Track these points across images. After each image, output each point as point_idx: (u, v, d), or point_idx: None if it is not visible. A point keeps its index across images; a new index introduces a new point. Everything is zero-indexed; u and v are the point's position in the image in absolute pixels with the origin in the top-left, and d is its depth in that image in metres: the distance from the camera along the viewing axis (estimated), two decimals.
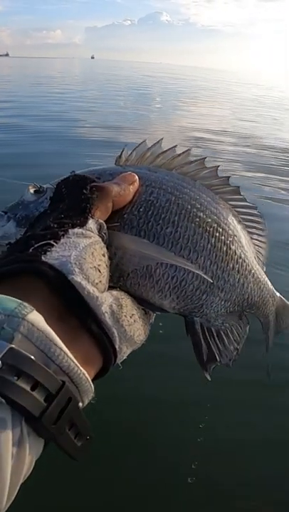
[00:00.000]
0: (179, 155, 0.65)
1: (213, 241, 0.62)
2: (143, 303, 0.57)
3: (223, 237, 0.63)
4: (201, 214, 0.62)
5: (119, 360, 0.50)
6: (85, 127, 8.45)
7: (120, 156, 0.65)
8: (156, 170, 0.64)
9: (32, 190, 0.61)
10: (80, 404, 0.42)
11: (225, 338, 0.66)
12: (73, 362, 0.41)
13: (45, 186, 0.61)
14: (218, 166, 0.67)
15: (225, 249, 0.64)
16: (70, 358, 0.41)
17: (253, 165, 6.51)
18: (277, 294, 0.76)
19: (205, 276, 0.60)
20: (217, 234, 0.63)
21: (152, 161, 0.65)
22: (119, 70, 47.77)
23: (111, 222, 0.57)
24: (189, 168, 0.65)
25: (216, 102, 16.91)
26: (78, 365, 0.41)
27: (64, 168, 0.90)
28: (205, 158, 0.66)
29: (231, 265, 0.65)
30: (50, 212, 0.55)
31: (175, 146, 0.66)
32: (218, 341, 0.65)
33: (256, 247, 0.71)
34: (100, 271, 0.48)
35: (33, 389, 0.37)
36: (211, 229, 0.62)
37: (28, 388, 0.37)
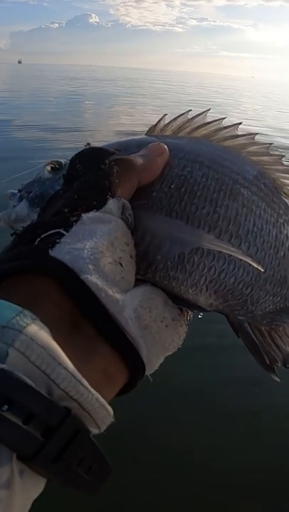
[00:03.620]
0: (226, 128, 0.55)
1: (260, 223, 0.52)
2: (177, 300, 0.48)
3: (272, 219, 0.53)
4: (246, 191, 0.52)
5: (148, 372, 0.42)
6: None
7: (155, 125, 0.56)
8: (192, 140, 0.54)
9: (49, 167, 0.53)
10: (95, 431, 0.35)
11: (277, 339, 0.56)
12: (83, 385, 0.33)
13: (63, 162, 0.53)
14: (272, 143, 0.56)
15: (274, 233, 0.53)
16: (79, 381, 0.33)
17: None
18: None
19: (255, 265, 0.49)
20: (265, 215, 0.53)
21: (191, 132, 0.55)
22: (48, 73, 46.90)
23: (136, 201, 0.48)
24: (236, 142, 0.55)
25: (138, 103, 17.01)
26: (89, 388, 0.33)
27: None
28: (256, 134, 0.56)
29: (282, 253, 0.54)
30: (63, 193, 0.46)
31: (223, 118, 0.56)
32: (270, 342, 0.56)
33: None
34: (121, 265, 0.41)
35: (26, 421, 0.30)
36: (258, 209, 0.52)
37: (19, 421, 0.29)
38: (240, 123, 0.55)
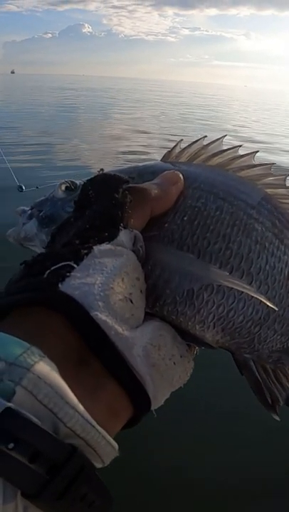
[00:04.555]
0: (242, 156, 0.54)
1: (272, 261, 0.51)
2: (184, 335, 0.47)
3: (285, 257, 0.52)
4: (260, 227, 0.51)
5: (154, 408, 0.42)
6: None
7: (171, 151, 0.55)
8: (208, 169, 0.53)
9: (63, 187, 0.51)
10: (100, 465, 0.36)
11: (282, 378, 0.54)
12: (90, 423, 0.33)
13: (78, 183, 0.51)
14: (288, 175, 0.55)
15: (287, 271, 0.52)
16: (86, 419, 0.33)
17: None
18: None
19: (269, 304, 0.47)
20: (278, 252, 0.51)
21: (207, 160, 0.54)
22: (41, 83, 47.10)
23: (148, 232, 0.47)
24: (251, 172, 0.54)
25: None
26: (96, 425, 0.34)
27: None
28: (273, 163, 0.55)
29: None
30: (74, 221, 0.45)
31: (239, 146, 0.54)
32: (275, 381, 0.54)
33: None
34: (132, 301, 0.40)
35: (32, 460, 0.30)
36: (271, 246, 0.51)
37: (25, 459, 0.29)
38: (257, 151, 0.54)
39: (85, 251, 0.39)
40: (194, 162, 0.55)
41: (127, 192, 0.45)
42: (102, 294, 0.37)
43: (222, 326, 0.49)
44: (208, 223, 0.49)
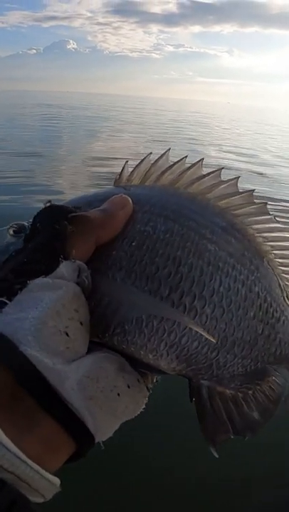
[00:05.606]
0: (189, 168, 0.53)
1: (227, 282, 0.49)
2: (136, 364, 0.47)
3: (242, 277, 0.51)
4: (213, 247, 0.49)
5: (101, 439, 0.41)
6: None
7: (120, 175, 0.55)
8: (159, 189, 0.53)
9: (11, 231, 0.50)
10: (39, 499, 0.36)
11: (244, 404, 0.52)
12: (19, 458, 0.34)
13: (26, 224, 0.50)
14: (239, 177, 0.53)
15: (244, 292, 0.50)
16: (15, 454, 0.34)
17: None
18: None
19: (207, 336, 0.47)
20: (234, 272, 0.50)
21: (158, 179, 0.53)
22: (25, 100, 47.19)
23: (96, 261, 0.46)
24: (202, 185, 0.53)
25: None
26: (27, 460, 0.34)
27: None
28: (221, 168, 0.53)
29: (252, 313, 0.51)
30: (16, 255, 0.45)
31: (185, 156, 0.54)
32: (233, 408, 0.51)
33: None
34: (67, 334, 0.40)
35: None
36: (226, 266, 0.50)
37: None
38: (202, 159, 0.53)
39: (19, 286, 0.40)
40: (146, 183, 0.54)
41: (67, 222, 0.45)
42: (33, 328, 0.37)
43: (176, 353, 0.48)
44: (157, 247, 0.48)
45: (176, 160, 0.53)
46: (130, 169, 0.55)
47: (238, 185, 0.52)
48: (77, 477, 1.69)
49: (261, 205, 0.53)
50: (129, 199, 0.49)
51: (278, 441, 1.90)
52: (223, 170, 0.53)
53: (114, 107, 42.00)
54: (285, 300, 0.54)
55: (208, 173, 0.52)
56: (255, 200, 0.53)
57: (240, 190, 0.53)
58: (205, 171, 0.52)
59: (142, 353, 0.47)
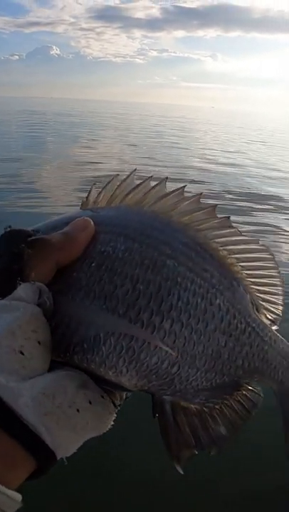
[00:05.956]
0: (154, 187, 0.53)
1: (186, 297, 0.49)
2: (99, 381, 0.47)
3: (201, 290, 0.50)
4: (172, 262, 0.50)
5: (64, 455, 0.42)
6: None
7: (86, 198, 0.55)
8: (123, 210, 0.53)
9: None
10: None
11: (209, 419, 0.51)
12: None
13: None
14: (202, 193, 0.54)
15: (204, 305, 0.50)
16: None
17: None
18: None
19: (164, 347, 0.47)
20: (193, 286, 0.50)
21: (123, 199, 0.54)
22: (8, 107, 46.93)
23: (58, 283, 0.47)
24: (166, 203, 0.53)
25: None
26: None
27: None
28: (185, 186, 0.54)
29: (213, 326, 0.50)
30: None
31: (150, 177, 0.55)
32: (198, 423, 0.51)
33: (264, 294, 0.56)
34: (22, 353, 0.41)
35: None
36: (185, 280, 0.50)
37: None
38: (167, 178, 0.54)
39: None
40: (112, 204, 0.54)
41: (25, 246, 0.45)
42: None
43: (136, 369, 0.48)
44: (115, 266, 0.49)
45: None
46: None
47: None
48: (72, 478, 1.73)
49: (224, 219, 0.54)
50: (91, 221, 0.50)
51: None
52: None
53: (98, 113, 42.04)
54: (252, 311, 0.54)
55: (172, 191, 0.53)
56: (217, 215, 0.54)
57: (203, 206, 0.53)
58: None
59: (102, 370, 0.47)
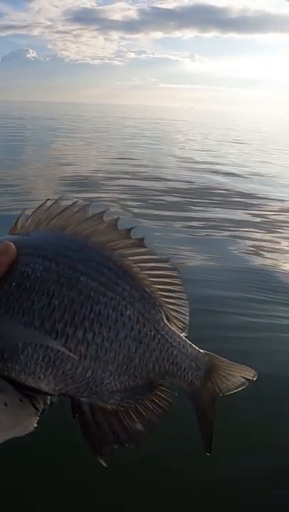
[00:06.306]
0: (77, 212, 0.59)
1: (98, 308, 0.55)
2: (19, 387, 0.54)
3: (112, 302, 0.56)
4: (85, 278, 0.55)
5: None
6: None
7: (15, 224, 0.60)
8: (46, 234, 0.58)
9: None
10: None
11: (125, 417, 0.56)
12: None
13: None
14: (118, 218, 0.60)
15: (115, 316, 0.56)
16: None
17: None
18: (204, 352, 0.63)
19: (68, 353, 0.53)
20: (104, 299, 0.55)
21: (48, 224, 0.59)
22: None
23: None
24: (86, 225, 0.58)
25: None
26: None
27: None
28: (105, 211, 0.59)
29: (124, 334, 0.56)
30: None
31: (75, 202, 0.60)
32: (115, 422, 0.56)
33: (173, 305, 0.61)
34: None
35: None
36: (97, 294, 0.55)
37: None
38: (89, 203, 0.59)
39: None
40: (39, 228, 0.59)
41: None
42: None
43: (52, 375, 0.54)
44: (33, 285, 0.54)
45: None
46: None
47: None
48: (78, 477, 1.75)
49: (137, 240, 0.59)
50: (12, 245, 0.54)
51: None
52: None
53: (77, 115, 41.71)
54: (162, 320, 0.59)
55: (92, 216, 0.58)
56: (132, 237, 0.59)
57: (119, 229, 0.59)
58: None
59: (23, 377, 0.53)
